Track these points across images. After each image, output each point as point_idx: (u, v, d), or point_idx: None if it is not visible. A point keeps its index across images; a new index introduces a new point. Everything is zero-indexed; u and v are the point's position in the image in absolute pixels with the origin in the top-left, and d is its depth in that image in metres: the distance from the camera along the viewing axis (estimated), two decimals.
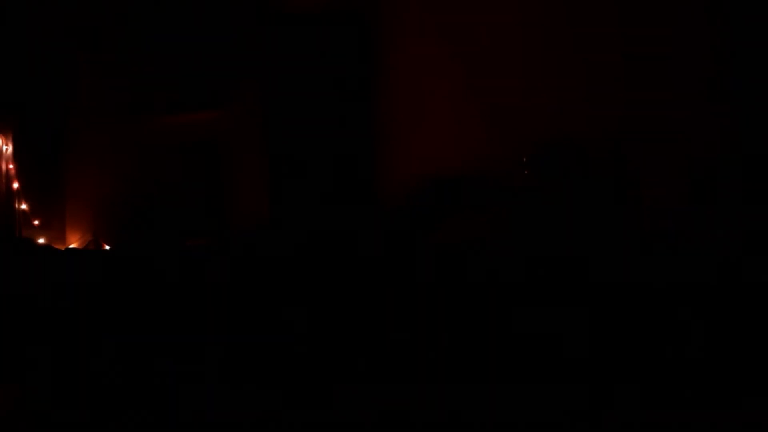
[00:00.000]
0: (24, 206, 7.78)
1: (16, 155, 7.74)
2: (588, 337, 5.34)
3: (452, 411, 4.67)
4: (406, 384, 5.10)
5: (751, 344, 5.10)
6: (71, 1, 8.04)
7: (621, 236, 6.28)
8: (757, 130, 6.32)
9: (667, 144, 6.54)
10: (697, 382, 4.92)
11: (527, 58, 7.11)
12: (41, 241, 7.83)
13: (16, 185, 7.71)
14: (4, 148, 7.66)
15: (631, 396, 4.80)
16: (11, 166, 7.70)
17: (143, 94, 8.11)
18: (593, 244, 6.17)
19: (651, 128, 6.60)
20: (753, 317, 5.22)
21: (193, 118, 8.09)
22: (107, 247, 7.97)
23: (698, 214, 6.33)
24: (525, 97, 7.05)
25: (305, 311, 5.59)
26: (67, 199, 8.18)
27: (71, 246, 7.97)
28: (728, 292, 5.36)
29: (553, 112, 6.93)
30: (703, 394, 4.78)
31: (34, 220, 7.90)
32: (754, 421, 4.37)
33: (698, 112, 6.46)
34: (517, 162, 6.94)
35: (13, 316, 5.73)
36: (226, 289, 5.77)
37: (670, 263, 5.80)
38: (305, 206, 7.71)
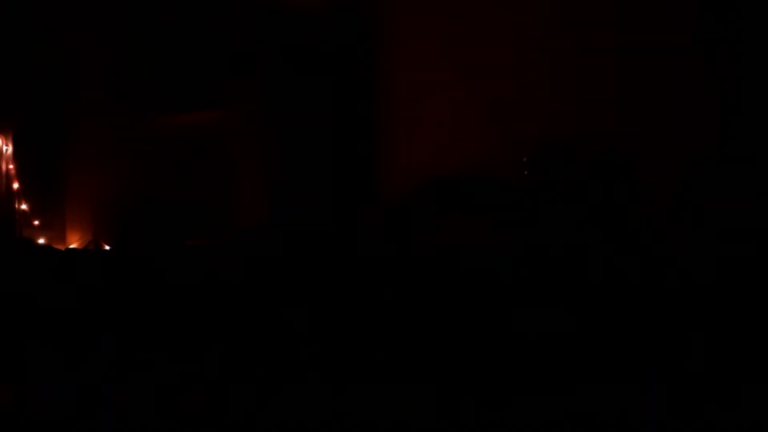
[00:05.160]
0: (24, 206, 7.77)
1: (16, 155, 7.74)
2: (586, 337, 5.34)
3: (450, 409, 4.67)
4: (407, 384, 5.10)
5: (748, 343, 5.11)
6: (71, 1, 8.03)
7: (619, 236, 6.28)
8: (756, 129, 6.32)
9: (667, 144, 6.54)
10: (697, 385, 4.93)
11: (527, 58, 7.11)
12: (41, 241, 7.82)
13: (16, 185, 7.70)
14: (4, 148, 7.66)
15: (628, 395, 4.80)
16: (11, 166, 7.70)
17: (143, 94, 8.10)
18: (591, 244, 6.17)
19: (650, 128, 6.60)
20: (750, 316, 5.22)
21: (193, 118, 8.09)
22: (107, 247, 7.97)
23: (696, 212, 6.33)
24: (525, 97, 7.05)
25: (305, 311, 5.60)
26: (67, 199, 8.17)
27: (71, 246, 7.96)
28: (726, 292, 5.37)
29: (552, 112, 6.92)
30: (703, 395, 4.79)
31: (34, 220, 7.90)
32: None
33: (698, 111, 6.46)
34: (517, 162, 6.93)
35: (13, 316, 5.74)
36: (227, 289, 5.78)
37: (666, 264, 5.81)
38: (305, 206, 7.70)
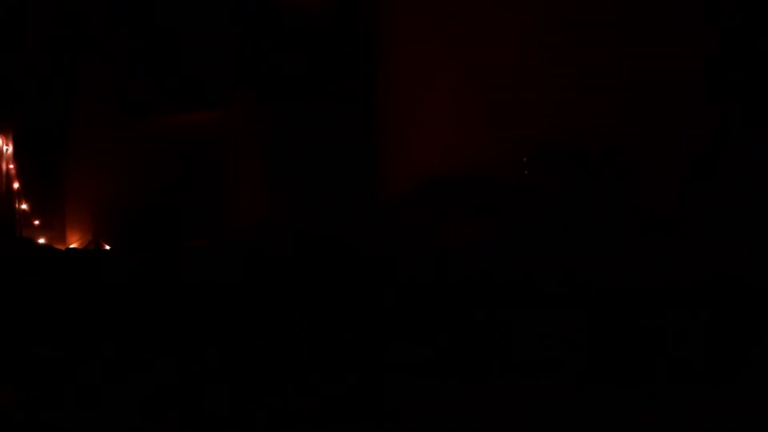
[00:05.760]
0: (24, 206, 7.77)
1: (16, 155, 7.74)
2: (586, 337, 5.35)
3: (449, 407, 4.67)
4: (406, 381, 5.11)
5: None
6: (71, 2, 8.03)
7: (620, 235, 6.29)
8: (755, 128, 6.32)
9: (667, 143, 6.54)
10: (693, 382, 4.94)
11: (527, 58, 7.11)
12: (41, 241, 7.82)
13: (16, 185, 7.70)
14: (4, 148, 7.66)
15: (625, 396, 4.81)
16: (11, 166, 7.69)
17: (143, 94, 8.10)
18: (592, 244, 6.18)
19: (650, 128, 6.60)
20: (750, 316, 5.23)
21: (193, 118, 8.09)
22: (107, 247, 7.97)
23: (696, 212, 6.34)
24: (525, 97, 7.05)
25: (305, 310, 5.60)
26: (67, 199, 8.17)
27: (71, 246, 7.96)
28: (724, 292, 5.37)
29: (552, 113, 6.93)
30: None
31: (34, 220, 7.89)
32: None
33: (698, 110, 6.46)
34: (517, 162, 6.94)
35: (14, 315, 5.74)
36: (227, 289, 5.78)
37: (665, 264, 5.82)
38: (305, 206, 7.70)
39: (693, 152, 6.48)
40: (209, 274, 5.84)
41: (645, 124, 6.62)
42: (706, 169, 6.44)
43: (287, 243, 6.65)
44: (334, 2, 7.93)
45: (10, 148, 7.70)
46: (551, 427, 4.36)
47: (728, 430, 4.25)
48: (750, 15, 6.41)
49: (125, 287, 5.81)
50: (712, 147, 6.44)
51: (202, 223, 7.87)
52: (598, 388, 4.94)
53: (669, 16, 6.64)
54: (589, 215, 6.49)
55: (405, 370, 5.25)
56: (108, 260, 6.74)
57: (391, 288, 5.70)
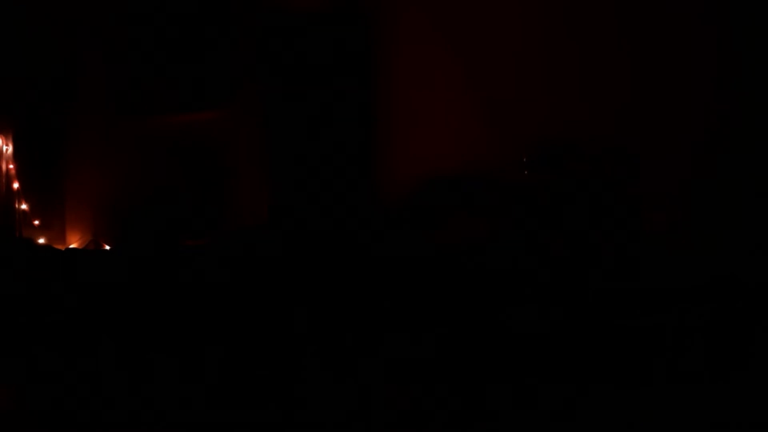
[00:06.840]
0: (24, 206, 7.77)
1: (16, 155, 7.74)
2: (585, 337, 5.35)
3: (449, 409, 4.67)
4: (406, 383, 5.11)
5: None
6: (71, 1, 8.03)
7: (619, 236, 6.29)
8: (758, 126, 6.33)
9: (667, 143, 6.54)
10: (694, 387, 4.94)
11: (527, 57, 7.12)
12: (41, 241, 7.82)
13: (16, 185, 7.71)
14: (4, 148, 7.66)
15: (622, 396, 4.81)
16: (11, 166, 7.70)
17: (143, 94, 8.10)
18: (592, 244, 6.18)
19: (651, 127, 6.61)
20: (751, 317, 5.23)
21: (193, 118, 8.09)
22: (107, 247, 7.97)
23: (698, 212, 6.34)
24: (525, 96, 7.06)
25: (305, 311, 5.61)
26: (67, 199, 8.17)
27: (71, 246, 7.96)
28: (727, 292, 5.37)
29: (552, 112, 6.93)
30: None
31: (34, 220, 7.89)
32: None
33: (699, 110, 6.46)
34: (517, 162, 6.94)
35: (13, 316, 5.75)
36: (226, 289, 5.78)
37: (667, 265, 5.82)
38: (305, 206, 7.70)
39: (694, 152, 6.48)
40: (207, 274, 5.85)
41: (645, 123, 6.62)
42: (706, 169, 6.44)
43: (287, 243, 6.65)
44: (334, 2, 7.92)
45: (10, 148, 7.71)
46: (552, 426, 4.37)
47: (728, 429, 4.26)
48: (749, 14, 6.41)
49: (124, 287, 5.82)
50: (713, 146, 6.44)
51: (202, 223, 7.88)
52: (597, 389, 4.94)
53: (671, 14, 6.64)
54: (588, 215, 6.49)
55: (403, 367, 5.26)
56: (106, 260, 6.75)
57: (391, 287, 5.71)
